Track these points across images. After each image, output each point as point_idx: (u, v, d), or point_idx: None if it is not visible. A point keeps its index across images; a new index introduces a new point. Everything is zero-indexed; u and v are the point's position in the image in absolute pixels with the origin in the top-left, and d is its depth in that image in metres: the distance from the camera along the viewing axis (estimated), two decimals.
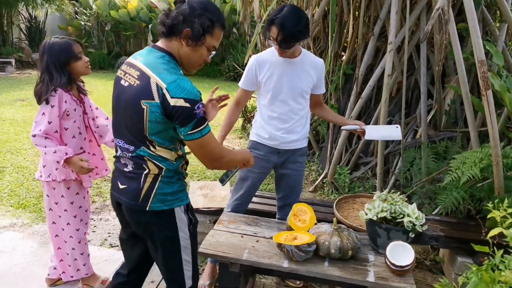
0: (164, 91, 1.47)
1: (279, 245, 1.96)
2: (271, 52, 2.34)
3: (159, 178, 1.63)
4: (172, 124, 1.55)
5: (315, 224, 2.15)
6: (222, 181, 1.97)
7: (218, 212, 2.79)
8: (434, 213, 3.14)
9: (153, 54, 1.59)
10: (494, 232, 1.42)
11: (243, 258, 1.96)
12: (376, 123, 4.14)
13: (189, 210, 1.78)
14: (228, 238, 2.13)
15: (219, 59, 13.04)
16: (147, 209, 1.64)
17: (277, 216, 2.69)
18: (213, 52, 1.67)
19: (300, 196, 2.69)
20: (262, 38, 4.95)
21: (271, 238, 2.14)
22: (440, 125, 3.94)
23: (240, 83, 2.43)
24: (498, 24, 3.86)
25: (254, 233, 2.20)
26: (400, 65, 3.92)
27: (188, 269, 1.78)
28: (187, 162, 1.77)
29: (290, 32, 2.11)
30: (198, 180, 4.37)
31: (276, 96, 2.34)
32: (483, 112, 3.38)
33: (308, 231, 2.09)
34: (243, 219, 2.36)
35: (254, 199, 3.02)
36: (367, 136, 2.38)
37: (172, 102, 1.47)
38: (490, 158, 2.79)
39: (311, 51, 4.66)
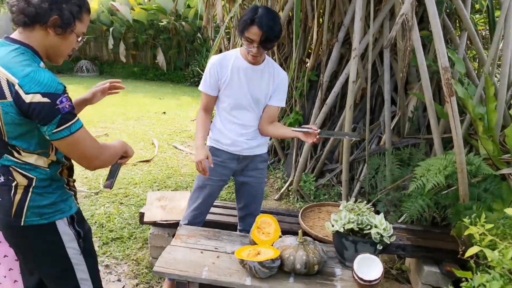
0: (17, 87, 1.29)
1: (241, 261, 1.82)
2: (234, 55, 2.21)
3: (31, 190, 1.44)
4: (34, 124, 1.35)
5: (280, 237, 2.02)
6: (109, 185, 1.72)
7: (177, 224, 2.61)
8: (399, 221, 3.11)
9: (4, 48, 1.37)
10: (472, 251, 1.34)
11: (202, 276, 1.81)
12: (340, 129, 4.11)
13: (77, 221, 1.56)
14: (186, 255, 1.96)
15: (183, 64, 12.80)
16: (21, 224, 1.44)
17: (238, 227, 2.55)
18: (83, 39, 1.49)
19: (262, 205, 2.57)
20: (226, 42, 4.83)
21: (233, 253, 2.00)
22: (404, 132, 3.95)
23: (201, 87, 2.28)
24: (458, 32, 3.93)
25: (215, 248, 2.04)
26: (364, 72, 3.90)
27: (87, 285, 1.58)
28: (69, 167, 1.56)
29: (273, 31, 2.01)
30: (158, 189, 4.16)
31: (236, 102, 2.21)
32: (446, 118, 3.40)
33: (272, 244, 1.96)
34: (203, 233, 2.20)
35: (216, 210, 2.87)
36: (322, 135, 2.15)
37: (28, 98, 1.28)
38: (454, 165, 2.78)
39: (275, 57, 4.59)
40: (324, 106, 4.00)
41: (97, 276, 1.65)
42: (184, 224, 2.35)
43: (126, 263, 2.89)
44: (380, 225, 1.88)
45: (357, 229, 1.90)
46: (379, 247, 1.90)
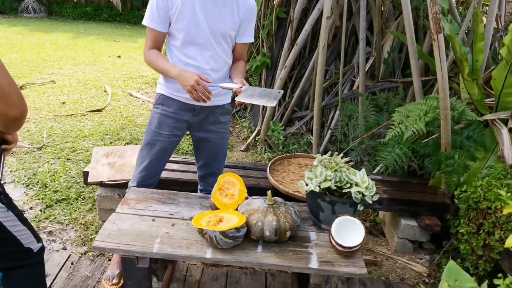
0: None
1: (200, 231, 1.53)
2: None
3: None
4: None
5: (246, 198, 1.73)
6: None
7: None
8: (374, 171, 2.90)
9: None
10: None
11: (153, 250, 1.51)
12: (311, 73, 3.77)
13: None
14: (134, 224, 1.64)
15: (140, 3, 11.78)
16: None
17: (199, 187, 2.24)
18: None
19: (227, 157, 2.24)
20: None
21: (190, 219, 1.70)
22: (379, 75, 3.66)
23: (145, 21, 1.84)
24: None
25: (170, 214, 1.73)
26: (339, 8, 3.51)
27: (25, 235, 1.47)
28: None
29: None
30: (111, 142, 3.75)
31: (191, 37, 1.81)
32: (426, 59, 3.13)
33: (237, 208, 1.67)
34: (155, 196, 1.87)
35: (173, 166, 2.53)
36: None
37: None
38: (436, 111, 2.54)
39: None
40: (294, 47, 3.62)
41: (31, 225, 1.52)
42: (132, 187, 2.00)
43: (73, 228, 2.55)
44: (362, 183, 1.62)
45: (335, 187, 1.63)
46: (360, 207, 1.65)
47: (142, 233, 1.59)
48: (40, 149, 3.53)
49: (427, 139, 2.62)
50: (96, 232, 2.48)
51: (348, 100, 3.55)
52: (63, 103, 4.69)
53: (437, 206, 2.45)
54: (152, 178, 2.02)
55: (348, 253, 1.56)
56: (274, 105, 1.72)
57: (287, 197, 2.28)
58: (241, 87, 1.74)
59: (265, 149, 3.67)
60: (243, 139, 3.96)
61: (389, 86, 3.58)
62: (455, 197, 2.49)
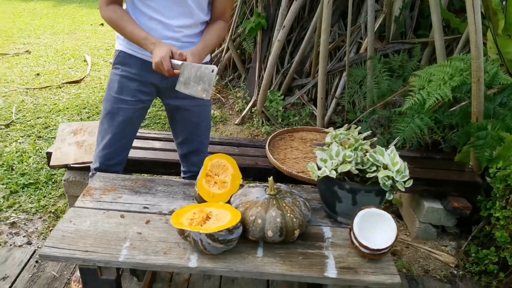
0: None
1: (182, 232, 1.16)
2: None
3: None
4: None
5: (241, 186, 1.36)
6: None
7: None
8: (389, 146, 2.52)
9: None
10: None
11: (119, 258, 1.14)
12: (312, 35, 3.34)
13: None
14: (97, 222, 1.27)
15: None
16: None
17: (181, 168, 1.86)
18: None
19: (220, 133, 1.84)
20: None
21: (171, 213, 1.33)
22: (389, 36, 3.23)
23: None
24: None
25: (144, 208, 1.36)
26: None
27: None
28: None
29: None
30: (88, 117, 3.33)
31: None
32: (445, 15, 2.70)
33: (229, 200, 1.30)
34: (128, 183, 1.49)
35: (156, 144, 2.14)
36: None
37: None
38: (463, 73, 2.15)
39: None
40: (293, 5, 3.16)
41: None
42: (95, 170, 1.62)
43: (40, 217, 2.18)
44: (393, 165, 1.24)
45: (356, 171, 1.26)
46: (389, 196, 1.28)
47: (107, 235, 1.22)
48: (8, 126, 3.11)
49: (454, 108, 2.23)
50: None
51: (355, 65, 3.13)
52: (38, 74, 4.24)
53: (466, 185, 2.09)
54: (117, 157, 1.63)
55: (375, 256, 1.20)
56: (208, 97, 1.33)
57: (291, 179, 1.92)
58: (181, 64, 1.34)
59: (263, 122, 3.28)
60: (238, 111, 3.55)
61: (401, 48, 3.16)
62: (487, 175, 2.13)
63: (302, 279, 1.16)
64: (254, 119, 3.34)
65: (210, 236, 1.09)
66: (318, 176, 1.26)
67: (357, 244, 1.20)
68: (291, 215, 1.19)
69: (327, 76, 3.39)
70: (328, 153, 1.28)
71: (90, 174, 1.66)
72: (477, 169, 2.20)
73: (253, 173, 2.01)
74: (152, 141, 2.15)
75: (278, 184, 1.32)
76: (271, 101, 3.32)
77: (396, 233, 1.19)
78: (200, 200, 1.28)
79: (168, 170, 2.01)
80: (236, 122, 3.35)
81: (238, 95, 3.74)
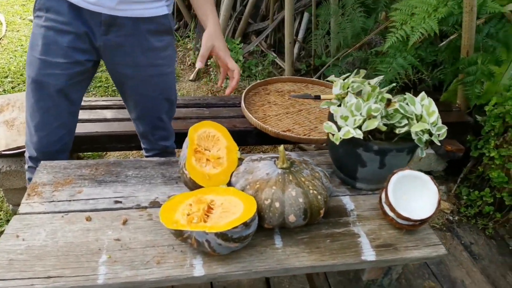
0: None
1: (179, 233, 0.86)
2: None
3: None
4: None
5: (240, 160, 1.07)
6: None
7: None
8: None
9: None
10: None
11: (98, 281, 0.83)
12: None
13: None
14: (56, 232, 0.93)
15: None
16: None
17: (142, 145, 1.52)
18: None
19: (175, 110, 1.47)
20: None
21: (153, 205, 1.03)
22: None
23: None
24: None
25: (115, 202, 1.04)
26: None
27: None
28: None
29: None
30: (13, 87, 2.78)
31: None
32: None
33: (230, 182, 1.01)
34: (85, 170, 1.14)
35: (108, 113, 1.76)
36: None
37: None
38: (447, 3, 1.94)
39: None
40: None
41: None
42: (30, 161, 1.26)
43: None
44: (428, 115, 1.01)
45: (385, 128, 1.02)
46: (422, 154, 1.06)
47: (74, 248, 0.89)
48: None
49: (443, 43, 2.04)
50: (8, 222, 1.72)
51: (321, 3, 2.83)
52: None
53: (456, 126, 1.96)
54: (57, 143, 1.24)
55: (414, 227, 1.00)
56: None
57: (275, 140, 1.66)
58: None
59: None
60: (190, 65, 3.16)
61: None
62: (475, 113, 2.02)
63: (336, 267, 0.94)
64: (211, 73, 2.98)
65: (222, 235, 0.82)
66: (340, 137, 1.01)
67: (393, 215, 0.99)
68: (314, 192, 0.94)
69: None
70: (349, 109, 1.02)
71: (26, 166, 1.28)
72: (465, 108, 2.07)
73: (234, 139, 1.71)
74: (101, 111, 1.76)
75: (288, 153, 1.05)
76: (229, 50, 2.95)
77: (438, 198, 0.99)
78: (193, 185, 0.98)
79: (127, 145, 1.66)
80: (190, 78, 2.97)
81: (188, 47, 3.32)
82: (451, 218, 1.91)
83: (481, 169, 1.93)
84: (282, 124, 1.72)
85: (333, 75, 1.21)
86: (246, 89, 1.90)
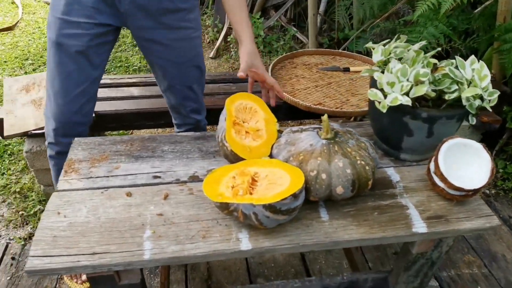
0: None
1: (224, 206, 0.84)
2: None
3: None
4: None
5: (279, 132, 1.03)
6: None
7: None
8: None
9: None
10: None
11: (144, 257, 0.81)
12: None
13: None
14: (97, 208, 0.92)
15: None
16: None
17: (173, 121, 1.50)
18: None
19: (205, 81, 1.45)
20: None
21: (193, 180, 1.00)
22: None
23: None
24: None
25: (154, 178, 1.01)
26: None
27: None
28: None
29: None
30: (34, 69, 2.77)
31: None
32: None
33: (271, 154, 0.98)
34: (120, 146, 1.11)
35: (134, 91, 1.73)
36: None
37: None
38: None
39: None
40: None
41: None
42: (49, 136, 1.26)
43: (4, 201, 1.77)
44: (480, 80, 0.95)
45: (434, 94, 0.96)
46: (472, 121, 1.00)
47: (117, 224, 0.88)
48: None
49: (476, 10, 1.95)
50: (41, 203, 1.73)
51: None
52: None
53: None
54: (79, 112, 1.22)
55: (465, 198, 0.95)
56: None
57: (306, 114, 1.61)
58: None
59: None
60: (209, 42, 3.10)
61: None
62: (510, 83, 1.93)
63: (386, 240, 0.90)
64: (231, 49, 2.92)
65: (270, 207, 0.79)
66: (387, 106, 0.96)
67: (443, 186, 0.94)
68: (362, 162, 0.90)
69: None
70: (395, 75, 0.97)
71: (46, 143, 1.28)
72: (501, 77, 1.98)
73: None
74: (127, 88, 1.73)
75: (333, 124, 1.00)
76: None
77: (492, 166, 0.94)
78: (234, 158, 0.95)
79: (156, 122, 1.63)
80: (210, 56, 2.92)
81: (207, 23, 3.25)
82: (487, 191, 1.85)
83: None
84: (312, 98, 1.67)
85: (371, 42, 1.15)
86: (272, 63, 1.84)
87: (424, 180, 1.03)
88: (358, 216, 0.92)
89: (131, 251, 0.82)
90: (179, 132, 1.49)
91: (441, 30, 1.94)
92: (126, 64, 2.81)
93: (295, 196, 0.80)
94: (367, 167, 0.90)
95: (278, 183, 0.84)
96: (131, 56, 2.86)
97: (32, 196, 1.76)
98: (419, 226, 0.91)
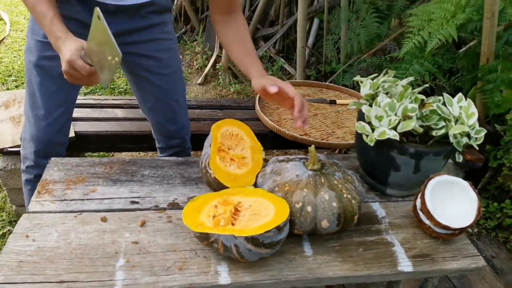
0: None
1: (204, 236, 0.79)
2: None
3: None
4: None
5: (265, 161, 1.01)
6: None
7: None
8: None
9: None
10: None
11: (115, 287, 0.76)
12: None
13: None
14: (69, 234, 0.86)
15: None
16: None
17: (157, 144, 1.48)
18: None
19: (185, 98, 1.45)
20: None
21: (172, 207, 0.96)
22: None
23: None
24: None
25: (132, 203, 0.97)
26: None
27: None
28: None
29: None
30: (17, 86, 2.71)
31: None
32: None
33: (256, 183, 0.95)
34: (99, 169, 1.07)
35: (118, 112, 1.70)
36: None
37: None
38: (465, 10, 1.90)
39: None
40: None
41: None
42: (27, 160, 1.22)
43: None
44: (467, 117, 0.95)
45: (421, 130, 0.96)
46: (458, 158, 1.00)
47: (89, 251, 0.82)
48: None
49: (461, 49, 2.00)
50: (11, 223, 1.64)
51: (333, 8, 2.79)
52: None
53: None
54: (61, 132, 1.22)
55: (452, 236, 0.93)
56: (106, 86, 0.91)
57: (291, 144, 1.60)
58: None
59: (230, 80, 2.88)
60: (198, 68, 3.11)
61: None
62: (493, 122, 1.97)
63: (371, 278, 0.87)
64: (219, 77, 2.93)
65: (253, 240, 0.75)
66: (374, 140, 0.95)
67: (429, 223, 0.93)
68: (348, 196, 0.87)
69: (292, 25, 3.03)
70: (383, 109, 0.96)
71: (24, 166, 1.24)
72: (483, 116, 2.02)
73: None
74: (112, 109, 1.70)
75: (320, 156, 0.99)
76: None
77: (479, 204, 0.92)
78: (217, 186, 0.91)
79: (139, 146, 1.59)
80: (198, 82, 2.92)
81: (196, 50, 3.27)
82: (470, 230, 1.84)
83: (500, 180, 1.87)
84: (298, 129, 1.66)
85: (359, 76, 1.16)
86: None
87: (409, 216, 1.01)
88: (343, 252, 0.89)
89: (102, 281, 0.76)
90: (162, 156, 1.45)
91: (426, 68, 1.98)
92: (112, 86, 2.78)
93: (279, 228, 0.77)
94: (353, 201, 0.88)
95: (262, 214, 0.81)
96: (117, 78, 2.84)
97: (2, 216, 1.67)
98: (405, 265, 0.88)
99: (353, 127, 1.71)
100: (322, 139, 1.58)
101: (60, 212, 0.92)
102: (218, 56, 2.94)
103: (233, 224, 0.80)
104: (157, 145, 1.48)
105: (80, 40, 0.89)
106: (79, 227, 0.88)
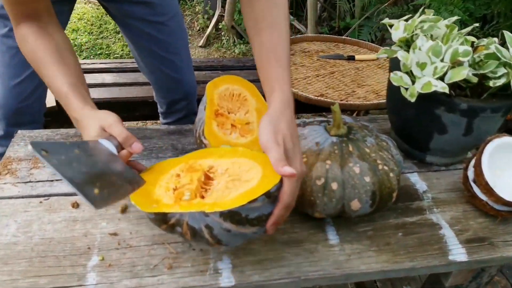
0: None
1: (162, 219, 0.58)
2: None
3: None
4: None
5: None
6: None
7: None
8: None
9: None
10: None
11: (86, 283, 0.59)
12: None
13: None
14: (31, 225, 0.69)
15: None
16: None
17: (159, 109, 1.29)
18: None
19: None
20: None
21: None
22: None
23: None
24: None
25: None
26: None
27: None
28: None
29: None
30: None
31: None
32: None
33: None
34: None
35: (107, 77, 1.50)
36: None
37: None
38: None
39: None
40: None
41: None
42: None
43: None
44: None
45: (476, 79, 0.74)
46: None
47: (53, 248, 0.65)
48: None
49: None
50: None
51: None
52: None
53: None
54: (31, 96, 1.04)
55: (510, 214, 0.74)
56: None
57: (306, 107, 1.40)
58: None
59: (234, 41, 2.63)
60: (199, 30, 2.86)
61: None
62: None
63: (416, 271, 0.68)
64: (222, 37, 2.69)
65: (231, 215, 0.53)
66: (416, 94, 0.73)
67: (486, 199, 0.73)
68: (385, 167, 0.67)
69: None
70: (426, 53, 0.74)
71: None
72: None
73: None
74: (99, 74, 1.50)
75: (345, 117, 0.78)
76: (241, 13, 2.65)
77: None
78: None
79: (131, 114, 1.40)
80: (200, 44, 2.68)
81: (196, 10, 3.01)
82: None
83: None
84: (312, 88, 1.45)
85: (387, 19, 0.93)
86: None
87: (458, 190, 0.81)
88: (378, 239, 0.70)
89: (67, 282, 0.59)
90: (165, 123, 1.27)
91: (457, 15, 1.73)
92: (107, 52, 2.56)
93: (269, 195, 0.55)
94: (391, 174, 0.68)
95: (243, 178, 0.58)
96: (113, 44, 2.62)
97: None
98: (457, 253, 0.69)
99: (376, 85, 1.49)
100: (341, 100, 1.37)
101: (22, 197, 0.74)
102: (221, 16, 2.68)
103: (202, 197, 0.58)
104: (159, 109, 1.29)
105: (97, 119, 0.66)
106: (45, 215, 0.70)
